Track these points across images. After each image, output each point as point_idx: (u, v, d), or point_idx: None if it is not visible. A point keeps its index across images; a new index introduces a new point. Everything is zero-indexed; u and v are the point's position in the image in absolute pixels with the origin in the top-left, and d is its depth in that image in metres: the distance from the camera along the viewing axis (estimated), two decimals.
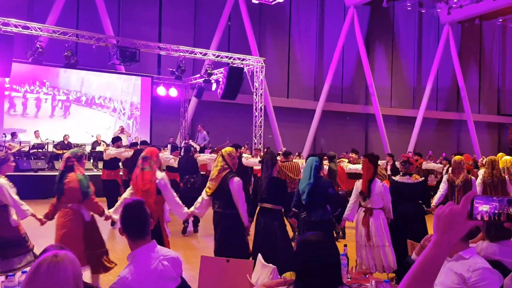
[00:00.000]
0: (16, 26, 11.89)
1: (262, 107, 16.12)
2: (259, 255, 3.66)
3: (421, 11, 23.58)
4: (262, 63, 15.79)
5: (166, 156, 8.97)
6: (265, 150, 6.66)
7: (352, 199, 5.50)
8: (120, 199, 4.98)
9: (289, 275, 3.13)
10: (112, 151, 8.77)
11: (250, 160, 9.55)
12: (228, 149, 4.93)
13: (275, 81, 20.78)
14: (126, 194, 4.82)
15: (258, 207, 5.01)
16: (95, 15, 16.92)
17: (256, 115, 16.02)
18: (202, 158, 9.45)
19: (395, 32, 24.67)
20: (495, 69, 27.64)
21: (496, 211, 1.16)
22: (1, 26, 11.53)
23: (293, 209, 5.21)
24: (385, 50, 24.35)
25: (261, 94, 16.00)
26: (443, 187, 6.32)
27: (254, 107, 16.10)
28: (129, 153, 8.65)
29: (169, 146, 15.69)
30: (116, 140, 9.11)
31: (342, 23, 22.04)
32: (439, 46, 24.48)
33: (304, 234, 2.36)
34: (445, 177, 6.41)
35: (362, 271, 3.72)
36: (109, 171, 8.76)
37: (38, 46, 12.41)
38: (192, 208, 4.90)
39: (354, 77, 23.36)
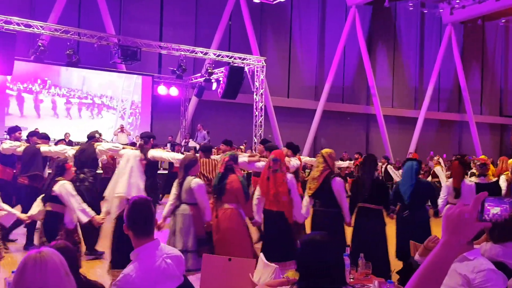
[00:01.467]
0: (18, 24, 11.88)
1: (263, 107, 16.11)
2: (261, 254, 3.65)
3: (423, 11, 23.56)
4: (262, 63, 15.78)
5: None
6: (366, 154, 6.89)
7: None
8: (254, 202, 5.12)
9: (291, 275, 3.13)
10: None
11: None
12: (328, 150, 5.29)
13: (276, 80, 20.76)
14: (255, 196, 5.04)
15: (358, 207, 5.33)
16: (97, 13, 16.91)
17: (256, 115, 16.02)
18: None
19: (397, 32, 24.64)
20: (498, 70, 27.58)
21: (506, 213, 1.15)
22: (4, 24, 11.52)
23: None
24: (387, 50, 24.32)
25: (261, 93, 15.99)
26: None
27: (254, 107, 16.09)
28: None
29: (168, 145, 15.77)
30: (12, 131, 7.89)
31: (344, 23, 22.02)
32: (441, 46, 24.43)
33: (308, 234, 2.36)
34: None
35: (364, 272, 3.71)
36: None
37: (40, 44, 12.41)
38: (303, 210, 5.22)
39: (355, 77, 23.32)
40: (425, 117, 24.01)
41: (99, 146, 6.66)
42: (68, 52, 12.65)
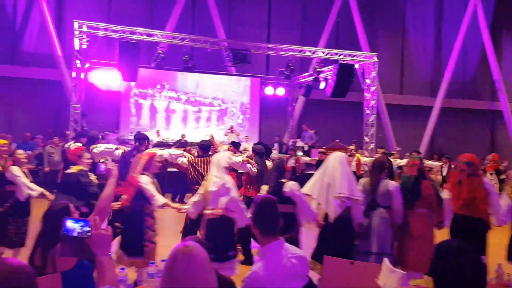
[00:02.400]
0: (141, 34, 12.89)
1: (374, 105, 15.53)
2: (385, 259, 3.46)
3: None
4: (374, 59, 15.23)
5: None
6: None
7: None
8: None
9: (424, 282, 2.92)
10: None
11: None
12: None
13: (388, 77, 19.91)
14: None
15: None
16: (209, 19, 17.78)
17: (367, 113, 15.49)
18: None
19: None
20: None
21: None
22: (129, 35, 12.58)
23: None
24: None
25: (372, 91, 15.43)
26: None
27: (365, 105, 15.58)
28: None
29: (276, 145, 15.95)
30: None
31: (464, 12, 20.40)
32: None
33: (445, 241, 2.20)
34: None
35: (503, 283, 3.33)
36: None
37: (160, 52, 13.33)
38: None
39: (477, 70, 21.48)
40: None
41: (95, 149, 6.67)
42: (184, 58, 13.42)
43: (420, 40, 21.10)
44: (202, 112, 17.46)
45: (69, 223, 1.88)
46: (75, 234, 1.87)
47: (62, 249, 1.94)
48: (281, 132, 18.28)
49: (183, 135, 14.80)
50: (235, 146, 7.54)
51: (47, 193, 5.66)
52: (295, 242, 4.35)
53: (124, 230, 4.95)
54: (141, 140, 6.82)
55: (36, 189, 5.51)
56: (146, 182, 4.81)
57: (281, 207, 4.53)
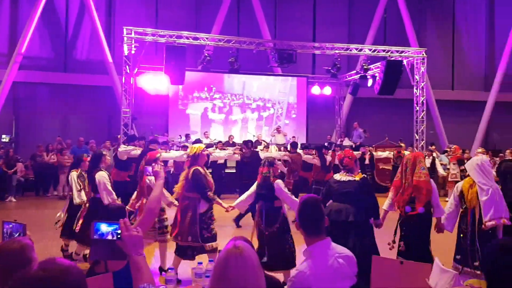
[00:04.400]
0: (187, 38, 13.16)
1: (424, 101, 15.06)
2: (436, 258, 3.38)
3: None
4: (423, 54, 14.76)
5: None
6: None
7: None
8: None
9: (476, 283, 2.82)
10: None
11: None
12: None
13: (438, 72, 19.26)
14: None
15: None
16: (254, 20, 17.88)
17: (417, 110, 15.04)
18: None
19: None
20: None
21: None
22: (175, 39, 12.88)
23: None
24: None
25: (422, 87, 14.96)
26: None
27: (414, 101, 15.14)
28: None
29: (326, 144, 15.78)
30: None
31: None
32: None
33: (499, 239, 2.10)
34: None
35: None
36: None
37: (206, 54, 13.54)
38: None
39: None
40: None
41: (119, 149, 8.27)
42: (230, 60, 13.56)
43: (471, 34, 20.26)
44: (248, 113, 17.59)
45: (102, 227, 1.88)
46: (108, 237, 1.87)
47: (93, 252, 1.94)
48: (329, 131, 18.10)
49: (230, 136, 14.97)
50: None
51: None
52: None
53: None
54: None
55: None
56: None
57: None
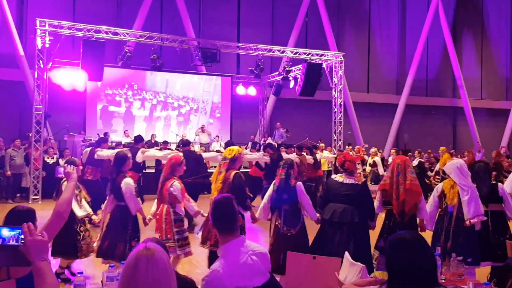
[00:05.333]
0: (106, 33, 12.67)
1: (342, 103, 15.79)
2: (346, 253, 3.56)
3: None
4: (341, 58, 15.46)
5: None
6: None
7: None
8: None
9: (379, 274, 3.01)
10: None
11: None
12: None
13: (355, 75, 20.29)
14: None
15: None
16: (178, 18, 17.63)
17: (335, 111, 15.73)
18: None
19: (485, 18, 22.99)
20: None
21: None
22: (94, 34, 12.35)
23: None
24: (474, 38, 22.78)
25: (340, 89, 15.67)
26: None
27: (333, 103, 15.82)
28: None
29: (250, 144, 15.98)
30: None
31: (426, 12, 20.97)
32: None
33: (397, 233, 2.25)
34: None
35: (457, 272, 3.48)
36: None
37: (126, 50, 13.12)
38: None
39: (440, 68, 22.14)
40: None
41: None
42: (152, 57, 13.27)
43: (385, 41, 21.54)
44: (171, 111, 17.32)
45: (3, 231, 1.77)
46: (11, 242, 1.77)
47: None
48: (253, 131, 18.33)
49: (153, 135, 14.65)
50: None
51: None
52: None
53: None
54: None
55: None
56: None
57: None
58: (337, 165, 5.28)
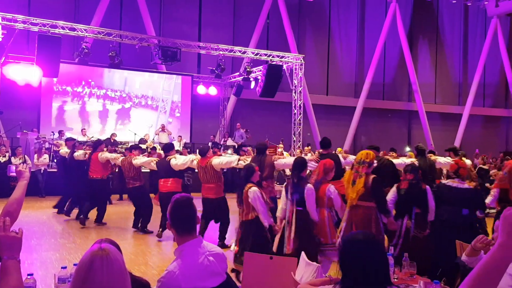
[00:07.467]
0: (63, 28, 12.31)
1: (301, 105, 16.01)
2: (303, 253, 3.62)
3: (467, 4, 22.74)
4: (301, 60, 15.68)
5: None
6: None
7: None
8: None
9: (334, 274, 3.08)
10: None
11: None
12: None
13: (315, 78, 20.61)
14: None
15: None
16: (138, 15, 17.32)
17: (295, 113, 15.94)
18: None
19: (440, 26, 23.92)
20: None
21: None
22: (50, 28, 11.97)
23: None
24: (429, 45, 23.66)
25: (300, 91, 15.89)
26: None
27: (293, 105, 16.02)
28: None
29: (210, 144, 15.92)
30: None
31: (384, 18, 21.58)
32: (486, 40, 23.53)
33: (351, 233, 2.31)
34: None
35: (409, 272, 3.61)
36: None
37: (84, 47, 12.81)
38: None
39: (396, 73, 22.84)
40: (470, 113, 23.21)
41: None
42: (110, 54, 13.00)
43: (344, 45, 21.99)
44: (129, 110, 17.02)
45: None
46: None
47: None
48: (213, 131, 18.27)
49: (113, 134, 14.35)
50: None
51: None
52: None
53: None
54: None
55: None
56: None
57: None
58: (450, 172, 5.52)
